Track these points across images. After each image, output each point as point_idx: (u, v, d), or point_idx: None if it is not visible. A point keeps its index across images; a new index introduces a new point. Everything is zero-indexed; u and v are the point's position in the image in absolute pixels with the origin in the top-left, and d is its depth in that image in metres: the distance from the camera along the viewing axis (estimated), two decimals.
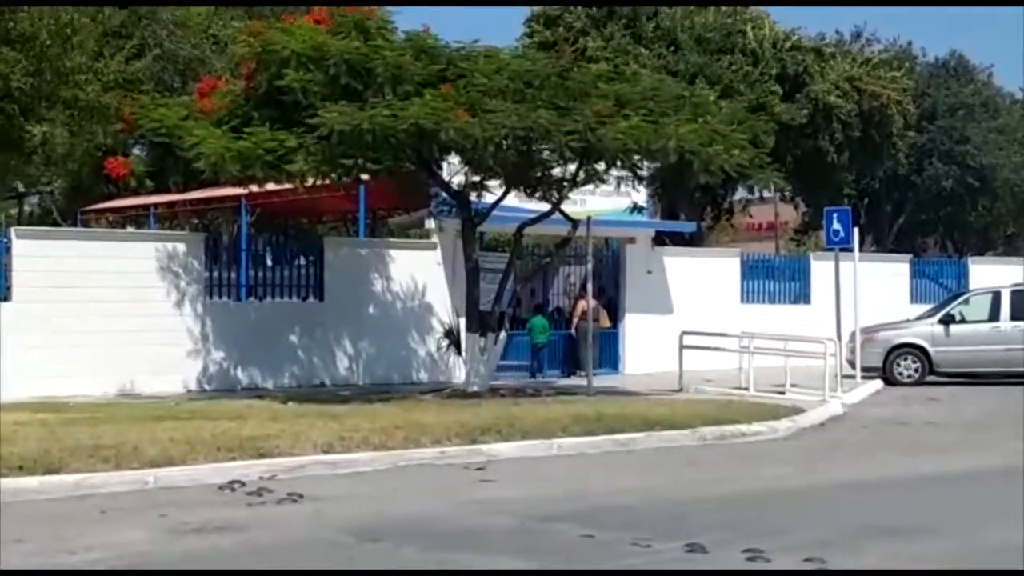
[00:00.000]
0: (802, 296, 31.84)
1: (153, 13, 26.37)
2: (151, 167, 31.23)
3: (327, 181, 21.58)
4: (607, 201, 25.81)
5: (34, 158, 23.95)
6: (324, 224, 36.94)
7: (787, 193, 46.46)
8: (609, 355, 28.43)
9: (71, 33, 22.15)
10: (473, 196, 22.60)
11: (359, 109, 19.09)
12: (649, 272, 29.28)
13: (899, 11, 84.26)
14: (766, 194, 47.12)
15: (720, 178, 22.20)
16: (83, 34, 22.37)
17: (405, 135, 19.10)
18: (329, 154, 19.64)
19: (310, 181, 21.28)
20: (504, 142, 19.65)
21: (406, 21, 39.02)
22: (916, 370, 26.29)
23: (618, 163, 21.41)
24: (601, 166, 21.76)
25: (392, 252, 26.02)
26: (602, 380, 24.48)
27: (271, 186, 22.48)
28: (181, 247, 23.62)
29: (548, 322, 27.63)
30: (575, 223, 22.72)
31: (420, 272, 25.68)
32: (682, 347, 24.33)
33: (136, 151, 33.24)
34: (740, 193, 43.82)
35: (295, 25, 20.99)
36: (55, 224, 35.17)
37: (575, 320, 27.29)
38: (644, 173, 23.18)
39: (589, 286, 24.34)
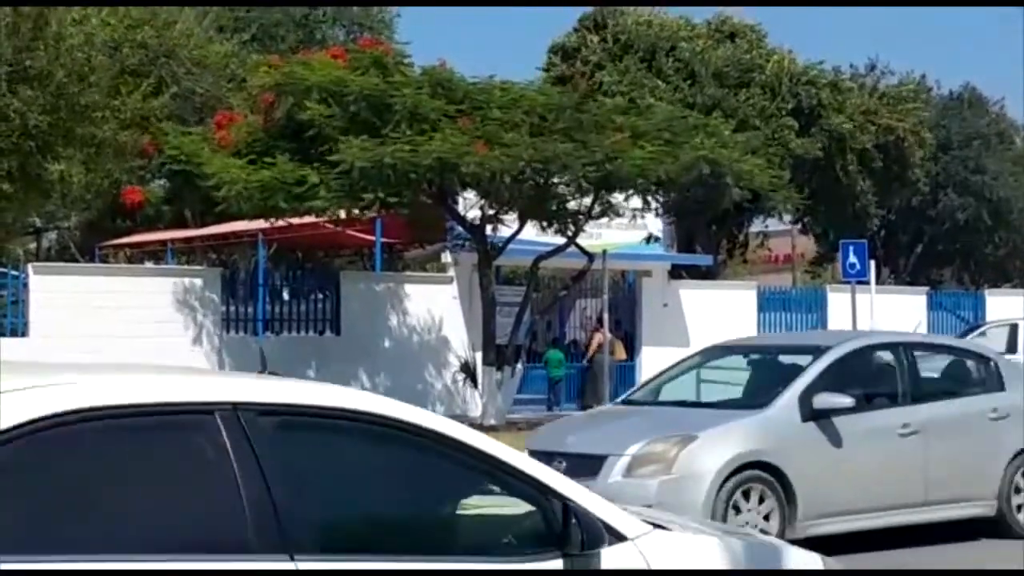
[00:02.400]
0: (819, 328, 31.75)
1: (171, 52, 26.48)
2: (170, 192, 31.38)
3: (346, 215, 21.70)
4: (623, 234, 25.85)
5: (52, 195, 24.05)
6: (341, 258, 37.01)
7: (803, 224, 46.45)
8: (626, 388, 28.34)
9: (88, 71, 22.26)
10: (489, 230, 22.66)
11: (378, 144, 19.19)
12: (665, 305, 29.26)
13: (910, 44, 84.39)
14: (782, 226, 47.08)
15: (747, 196, 22.30)
16: (100, 72, 22.47)
17: (426, 170, 19.19)
18: (350, 189, 19.74)
19: (329, 215, 21.40)
20: (521, 175, 19.73)
21: (423, 54, 39.25)
22: None
23: (636, 193, 21.47)
24: (617, 197, 21.83)
25: (408, 286, 26.05)
26: None
27: (288, 220, 22.58)
28: (198, 282, 23.69)
29: (564, 355, 27.61)
30: (591, 256, 22.75)
31: (436, 306, 25.70)
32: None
33: (155, 185, 33.37)
34: (756, 226, 43.78)
35: (314, 59, 21.13)
36: (73, 259, 35.29)
37: (591, 353, 27.28)
38: (660, 201, 23.22)
39: (605, 319, 24.35)
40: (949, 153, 44.23)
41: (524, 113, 20.23)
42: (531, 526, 4.59)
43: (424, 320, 25.68)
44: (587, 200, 21.99)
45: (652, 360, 28.69)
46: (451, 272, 26.26)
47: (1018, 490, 12.22)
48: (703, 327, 29.16)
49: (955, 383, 13.15)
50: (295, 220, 22.73)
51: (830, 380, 11.52)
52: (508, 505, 4.67)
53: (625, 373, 28.28)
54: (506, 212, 22.33)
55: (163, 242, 32.50)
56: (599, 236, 25.12)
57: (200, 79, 27.89)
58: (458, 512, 4.73)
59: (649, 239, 24.63)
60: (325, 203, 20.13)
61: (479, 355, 23.35)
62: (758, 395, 11.93)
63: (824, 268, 49.48)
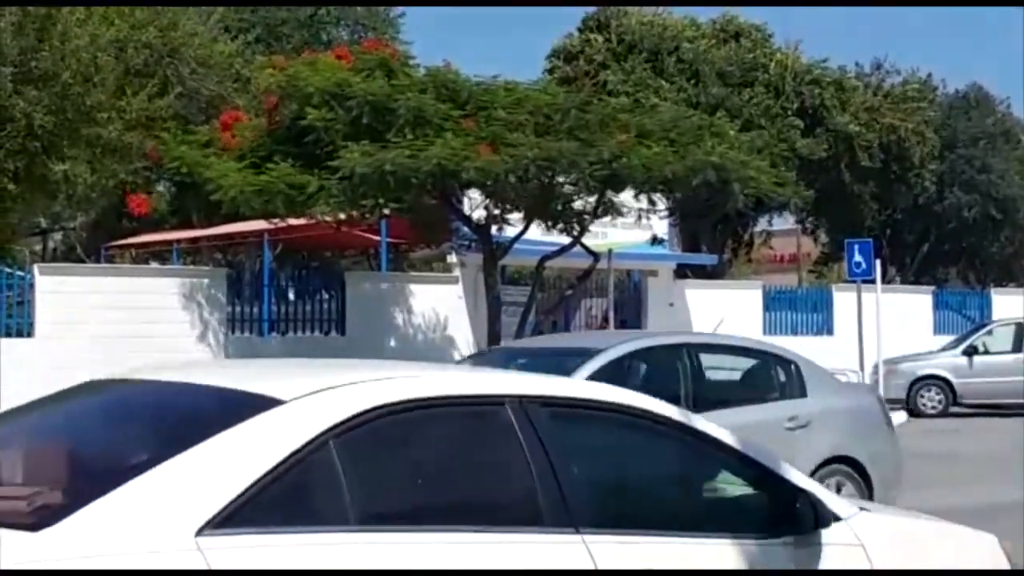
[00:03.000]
0: (825, 328, 31.75)
1: (176, 52, 26.49)
2: (174, 203, 31.39)
3: (347, 218, 21.71)
4: (628, 234, 25.86)
5: (57, 195, 24.08)
6: (346, 258, 37.03)
7: (808, 225, 46.44)
8: None
9: (94, 72, 22.28)
10: (494, 230, 22.66)
11: (381, 148, 19.18)
12: (671, 304, 29.26)
13: (916, 42, 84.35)
14: (787, 225, 47.07)
15: (752, 200, 22.29)
16: (105, 72, 22.49)
17: (426, 175, 19.19)
18: (351, 195, 19.74)
19: (330, 219, 21.42)
20: (526, 174, 19.72)
21: (426, 55, 39.27)
22: (940, 402, 26.21)
23: (642, 192, 21.48)
24: (623, 196, 21.83)
25: (414, 286, 26.07)
26: None
27: (293, 221, 22.60)
28: (204, 282, 23.70)
29: None
30: (596, 256, 22.75)
31: (442, 306, 25.71)
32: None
33: (160, 187, 33.42)
34: (761, 225, 43.79)
35: (319, 60, 21.12)
36: (79, 260, 35.33)
37: None
38: (665, 203, 23.22)
39: (611, 318, 24.34)
40: (955, 152, 44.19)
41: (529, 113, 20.21)
42: (761, 507, 5.17)
43: (429, 320, 25.69)
44: (592, 200, 21.98)
45: None
46: (456, 272, 26.27)
47: None
48: (709, 326, 29.17)
49: (749, 389, 11.92)
50: (300, 221, 22.72)
51: None
52: (734, 488, 5.31)
53: None
54: (511, 212, 22.33)
55: (169, 243, 32.53)
56: (604, 236, 25.12)
57: (205, 79, 27.91)
58: (700, 493, 5.40)
59: (654, 240, 24.62)
60: (325, 208, 20.13)
61: None
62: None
63: (829, 268, 49.47)
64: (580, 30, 38.61)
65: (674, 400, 10.36)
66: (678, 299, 29.42)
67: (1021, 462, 17.36)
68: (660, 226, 25.94)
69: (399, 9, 41.35)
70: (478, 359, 12.48)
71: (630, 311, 29.35)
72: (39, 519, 3.89)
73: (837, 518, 5.18)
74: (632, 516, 4.95)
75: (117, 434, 4.91)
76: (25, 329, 21.75)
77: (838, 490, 10.30)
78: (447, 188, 21.02)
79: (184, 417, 4.68)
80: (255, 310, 24.90)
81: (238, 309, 24.32)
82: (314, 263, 35.43)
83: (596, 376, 10.19)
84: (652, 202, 22.10)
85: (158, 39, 25.74)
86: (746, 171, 20.84)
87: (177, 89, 26.07)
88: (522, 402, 4.77)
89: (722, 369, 12.07)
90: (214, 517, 3.97)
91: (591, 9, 38.68)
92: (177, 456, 4.12)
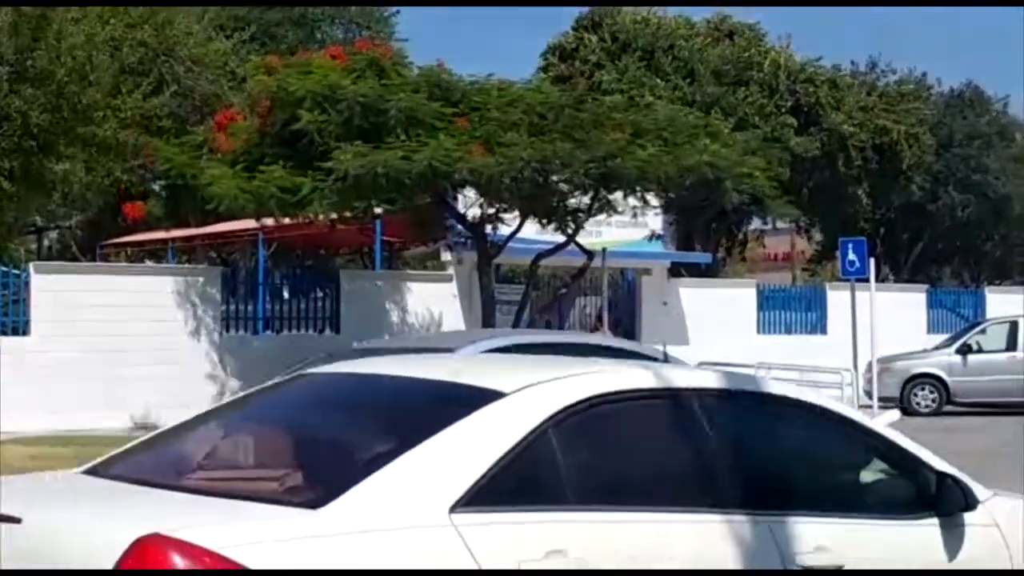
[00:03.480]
0: (819, 326, 31.80)
1: (171, 50, 26.50)
2: (168, 204, 31.37)
3: (339, 217, 21.75)
4: (623, 232, 25.89)
5: (53, 194, 24.08)
6: (341, 256, 37.05)
7: (802, 223, 46.48)
8: None
9: (89, 70, 22.28)
10: (489, 228, 22.68)
11: (374, 149, 19.19)
12: (665, 303, 29.29)
13: (912, 41, 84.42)
14: (781, 224, 47.13)
15: (747, 199, 22.34)
16: (101, 71, 22.49)
17: (419, 176, 19.21)
18: (344, 196, 19.76)
19: (323, 218, 21.46)
20: (520, 174, 19.75)
21: (420, 53, 39.24)
22: (933, 400, 26.27)
23: (636, 190, 21.52)
24: (618, 195, 21.87)
25: (408, 284, 26.09)
26: None
27: (288, 220, 22.62)
28: (199, 281, 23.74)
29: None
30: (590, 254, 22.78)
31: (436, 304, 25.73)
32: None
33: (155, 187, 33.42)
34: (755, 223, 43.83)
35: (312, 61, 21.14)
36: (74, 258, 35.33)
37: None
38: (659, 200, 23.27)
39: (605, 317, 24.39)
40: (951, 151, 44.26)
41: (523, 112, 20.24)
42: (911, 490, 5.60)
43: (424, 318, 25.71)
44: (587, 198, 22.02)
45: None
46: (451, 270, 26.29)
47: None
48: (703, 325, 29.22)
49: None
50: (294, 221, 22.75)
51: None
52: (874, 472, 5.74)
53: None
54: (506, 210, 22.36)
55: (164, 241, 32.54)
56: (599, 234, 25.15)
57: (199, 77, 27.92)
58: (857, 477, 5.76)
59: (652, 237, 24.66)
60: (318, 209, 20.15)
61: None
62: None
63: (823, 266, 49.52)
64: (574, 29, 38.63)
65: None
66: (672, 298, 29.46)
67: (1014, 460, 17.42)
68: (655, 224, 25.95)
69: (393, 8, 41.38)
70: (334, 358, 11.10)
71: (624, 309, 29.39)
72: (315, 498, 4.47)
73: (976, 501, 5.59)
74: (800, 498, 5.38)
75: (357, 422, 5.47)
76: (21, 327, 21.78)
77: None
78: (440, 188, 21.05)
79: (418, 408, 5.27)
80: (249, 308, 24.93)
81: (232, 307, 24.34)
82: (308, 261, 35.46)
83: None
84: (645, 200, 22.14)
85: (153, 37, 25.75)
86: (740, 168, 20.89)
87: (172, 88, 26.08)
88: (704, 394, 5.38)
89: None
90: (462, 497, 4.50)
91: (585, 8, 38.74)
92: (423, 443, 4.66)
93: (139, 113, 23.50)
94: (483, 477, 4.58)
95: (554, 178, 20.74)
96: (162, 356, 22.50)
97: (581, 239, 22.89)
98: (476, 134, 19.69)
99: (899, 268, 45.45)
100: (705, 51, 36.47)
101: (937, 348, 28.13)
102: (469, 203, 22.71)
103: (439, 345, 11.28)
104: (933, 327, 33.17)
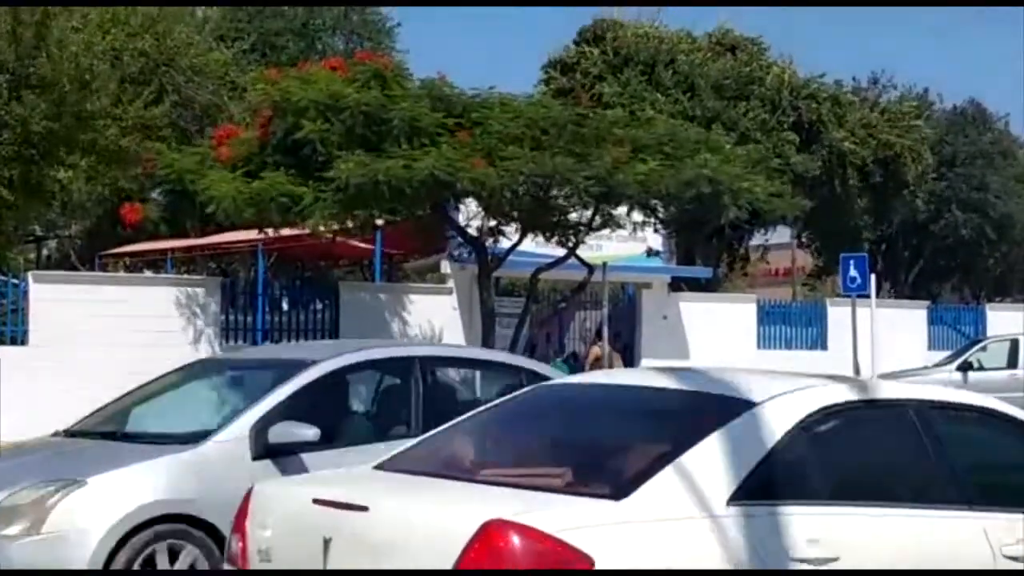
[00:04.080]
0: (819, 342, 31.74)
1: (171, 60, 26.52)
2: (167, 212, 31.34)
3: (339, 228, 21.68)
4: (623, 246, 25.83)
5: (53, 203, 24.05)
6: (340, 268, 37.01)
7: (803, 239, 46.45)
8: None
9: (91, 78, 22.27)
10: (489, 241, 22.63)
11: (375, 158, 19.15)
12: (665, 317, 29.24)
13: (916, 57, 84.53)
14: (782, 240, 47.08)
15: (745, 214, 22.28)
16: (103, 79, 22.48)
17: (421, 185, 19.16)
18: (345, 205, 19.69)
19: (324, 229, 21.39)
20: (520, 188, 19.69)
21: (421, 65, 39.26)
22: None
23: (636, 206, 21.49)
24: (619, 210, 21.82)
25: (408, 296, 26.03)
26: None
27: (287, 231, 22.55)
28: (198, 291, 23.66)
29: (567, 368, 27.62)
30: (591, 268, 22.73)
31: (436, 316, 25.66)
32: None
33: (155, 195, 33.40)
34: (756, 239, 43.79)
35: (312, 72, 21.10)
36: (73, 268, 35.27)
37: (587, 366, 27.24)
38: (661, 215, 23.22)
39: (605, 331, 24.30)
40: (953, 170, 44.25)
41: (525, 127, 20.19)
42: None
43: (424, 331, 25.63)
44: (588, 212, 21.97)
45: None
46: (451, 283, 26.23)
47: None
48: (703, 340, 29.17)
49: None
50: (294, 231, 22.69)
51: (308, 405, 9.12)
52: None
53: None
54: (506, 223, 22.30)
55: (163, 251, 32.50)
56: (599, 248, 25.08)
57: (200, 87, 27.92)
58: None
59: (650, 253, 24.60)
60: (319, 219, 20.07)
61: None
62: (206, 424, 9.17)
63: (823, 282, 49.47)
64: (576, 42, 38.61)
65: (400, 418, 9.66)
66: (672, 312, 29.40)
67: None
68: (655, 239, 25.91)
69: (395, 19, 41.42)
70: (191, 369, 11.25)
71: (624, 324, 29.33)
72: (614, 491, 5.24)
73: None
74: (999, 495, 6.09)
75: (628, 427, 6.30)
76: (19, 337, 21.70)
77: None
78: (441, 198, 21.00)
79: (682, 414, 6.05)
80: (249, 319, 24.87)
81: (232, 318, 24.27)
82: (308, 273, 35.42)
83: (309, 390, 9.21)
84: (648, 214, 22.09)
85: (154, 47, 25.75)
86: (739, 183, 20.84)
87: (172, 97, 26.08)
88: (919, 405, 6.18)
89: (461, 384, 10.80)
90: (735, 491, 5.28)
91: (586, 22, 38.71)
92: (697, 445, 5.44)
93: (140, 122, 23.51)
94: (750, 474, 5.38)
95: (554, 192, 20.69)
96: (161, 366, 22.30)
97: (582, 253, 22.83)
98: (477, 146, 19.64)
99: (900, 285, 45.42)
100: (706, 65, 36.43)
101: (938, 365, 28.06)
102: (470, 216, 22.66)
103: (295, 357, 10.15)
104: (934, 344, 33.11)
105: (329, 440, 8.92)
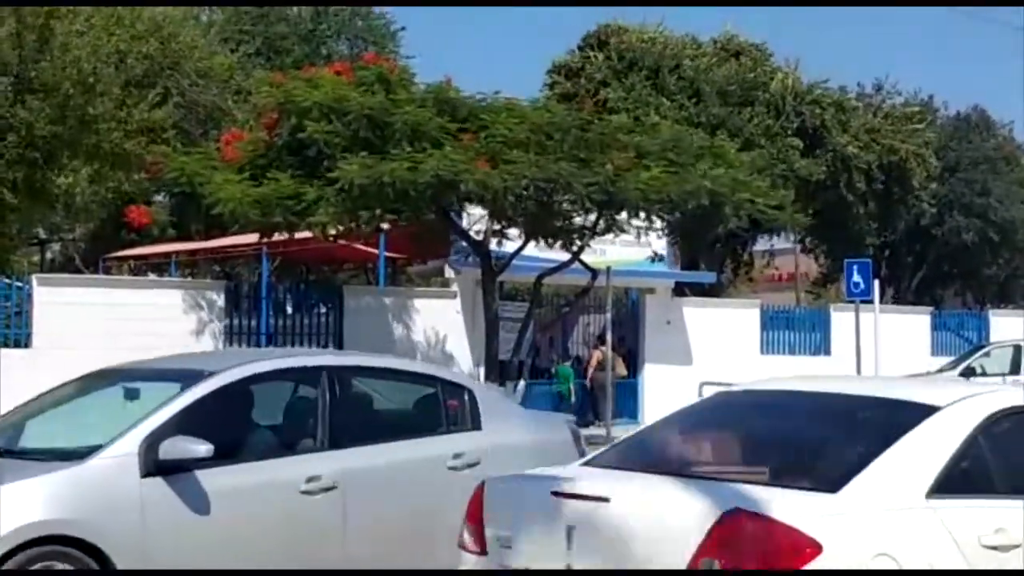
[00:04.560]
0: (822, 347, 31.72)
1: (176, 63, 26.54)
2: (173, 215, 31.37)
3: (344, 229, 21.68)
4: (627, 251, 25.82)
5: (56, 206, 24.07)
6: (344, 272, 37.03)
7: (807, 244, 46.41)
8: (628, 405, 28.34)
9: (95, 81, 22.29)
10: (493, 245, 22.63)
11: (380, 160, 19.16)
12: (668, 322, 29.24)
13: (920, 64, 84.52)
14: (786, 245, 47.06)
15: (747, 223, 22.26)
16: (107, 82, 22.50)
17: (425, 187, 19.16)
18: (349, 206, 19.71)
19: (331, 231, 21.38)
20: (524, 192, 19.69)
21: (425, 69, 39.27)
22: None
23: (639, 213, 21.49)
24: (622, 216, 21.82)
25: (412, 301, 26.03)
26: (621, 430, 24.38)
27: (292, 234, 22.55)
28: (202, 294, 23.65)
29: (572, 372, 27.62)
30: (594, 273, 22.72)
31: (440, 320, 25.67)
32: (701, 397, 24.18)
33: (159, 199, 33.42)
34: (760, 244, 43.77)
35: (317, 76, 21.11)
36: (77, 271, 35.32)
37: (590, 370, 27.23)
38: (666, 220, 23.22)
39: (608, 336, 24.30)
40: (956, 176, 44.23)
41: (529, 131, 20.19)
42: None
43: (427, 335, 25.64)
44: (592, 217, 21.97)
45: (654, 377, 28.70)
46: (454, 287, 26.24)
47: None
48: (706, 345, 29.17)
49: (405, 420, 10.06)
50: (298, 235, 22.69)
51: (205, 418, 8.56)
52: None
53: (626, 391, 28.24)
54: (510, 228, 22.31)
55: (167, 255, 32.53)
56: (603, 253, 25.07)
57: (204, 90, 27.95)
58: None
59: (654, 258, 24.60)
60: (324, 219, 20.06)
61: (481, 370, 23.30)
62: (94, 439, 8.50)
63: (827, 287, 49.45)
64: (580, 47, 38.64)
65: (307, 431, 9.21)
66: (676, 317, 29.40)
67: None
68: (658, 244, 25.91)
69: (399, 23, 41.46)
70: (87, 381, 10.61)
71: (627, 328, 29.33)
72: (829, 485, 5.93)
73: None
74: None
75: (825, 429, 6.93)
76: (23, 340, 21.69)
77: None
78: (446, 200, 21.00)
79: (874, 418, 6.75)
80: (253, 323, 24.84)
81: (236, 322, 24.25)
82: (312, 276, 35.43)
83: (206, 402, 8.64)
84: (651, 221, 22.10)
85: (158, 51, 25.76)
86: (741, 194, 20.81)
87: (176, 99, 26.10)
88: None
89: (376, 397, 10.18)
90: (931, 486, 6.00)
91: (591, 27, 38.74)
92: (894, 444, 6.15)
93: (144, 125, 23.52)
94: (942, 471, 6.07)
95: (556, 198, 20.69)
96: None
97: (585, 257, 22.83)
98: (481, 150, 19.65)
99: (903, 290, 45.40)
100: (711, 70, 36.44)
101: (941, 371, 28.01)
102: (473, 220, 22.66)
103: (192, 367, 9.44)
104: (937, 349, 33.11)
105: (229, 455, 8.49)
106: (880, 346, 24.85)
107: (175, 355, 12.72)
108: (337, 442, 9.01)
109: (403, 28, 41.62)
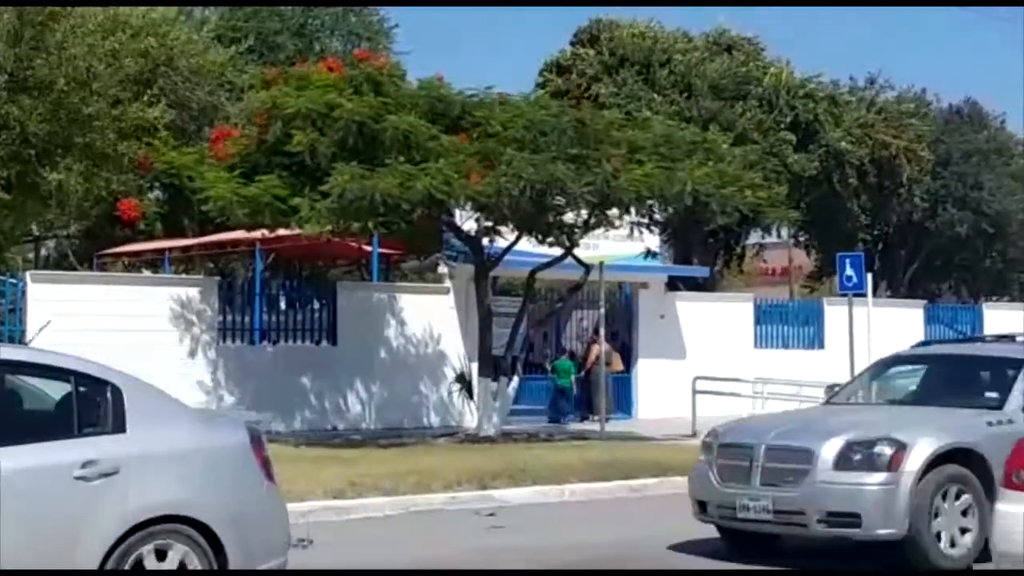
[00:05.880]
0: (816, 341, 31.80)
1: (170, 61, 26.51)
2: (164, 210, 31.35)
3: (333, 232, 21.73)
4: (620, 246, 25.86)
5: (50, 203, 24.06)
6: (338, 268, 37.01)
7: (800, 238, 46.47)
8: (623, 400, 28.40)
9: (90, 79, 22.27)
10: (486, 241, 22.66)
11: (370, 171, 19.10)
12: (662, 317, 29.30)
13: (912, 57, 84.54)
14: (778, 239, 47.10)
15: (736, 219, 22.28)
16: (101, 81, 22.49)
17: (417, 203, 19.18)
18: (340, 215, 19.64)
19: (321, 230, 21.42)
20: (521, 195, 19.64)
21: (418, 65, 39.29)
22: None
23: (632, 210, 21.53)
24: (614, 212, 21.87)
25: (405, 296, 26.07)
26: (616, 425, 24.45)
27: (284, 231, 22.58)
28: (196, 291, 23.71)
29: (573, 366, 27.67)
30: (588, 268, 22.77)
31: (433, 316, 25.72)
32: (695, 392, 24.29)
33: (151, 195, 33.40)
34: (753, 238, 43.81)
35: (308, 73, 21.10)
36: (71, 268, 35.30)
37: (589, 364, 27.29)
38: (658, 218, 23.27)
39: (602, 331, 24.36)
40: (948, 169, 44.30)
41: (524, 128, 20.19)
42: None
43: (420, 330, 25.69)
44: (584, 213, 22.01)
45: (649, 372, 28.76)
46: (448, 283, 26.28)
47: None
48: (700, 339, 29.22)
49: (20, 422, 7.98)
50: (291, 232, 22.71)
51: None
52: None
53: (621, 385, 28.30)
54: (503, 224, 22.33)
55: (161, 251, 32.52)
56: (596, 248, 25.11)
57: (197, 88, 27.93)
58: None
59: (648, 254, 24.67)
60: (315, 228, 20.01)
61: (475, 366, 23.36)
62: None
63: (821, 281, 49.51)
64: (572, 44, 38.66)
65: None
66: (669, 311, 29.46)
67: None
68: (651, 239, 25.96)
69: (393, 19, 41.43)
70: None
71: (621, 323, 29.38)
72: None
73: None
74: None
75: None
76: (17, 336, 21.71)
77: (162, 557, 7.81)
78: (436, 212, 21.04)
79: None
80: (246, 319, 24.89)
81: (229, 318, 24.30)
82: (305, 272, 35.44)
83: None
84: (646, 216, 22.15)
85: (156, 49, 25.73)
86: (728, 190, 20.81)
87: (170, 97, 26.08)
88: None
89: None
90: None
91: (582, 23, 38.77)
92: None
93: (138, 123, 23.49)
94: None
95: (551, 199, 20.70)
96: (159, 366, 22.37)
97: (578, 252, 22.88)
98: (475, 150, 19.64)
99: (896, 283, 45.46)
100: (703, 65, 36.45)
101: None
102: (467, 216, 22.70)
103: None
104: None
105: None
106: (873, 339, 24.89)
107: None
108: None
109: (396, 25, 41.57)
